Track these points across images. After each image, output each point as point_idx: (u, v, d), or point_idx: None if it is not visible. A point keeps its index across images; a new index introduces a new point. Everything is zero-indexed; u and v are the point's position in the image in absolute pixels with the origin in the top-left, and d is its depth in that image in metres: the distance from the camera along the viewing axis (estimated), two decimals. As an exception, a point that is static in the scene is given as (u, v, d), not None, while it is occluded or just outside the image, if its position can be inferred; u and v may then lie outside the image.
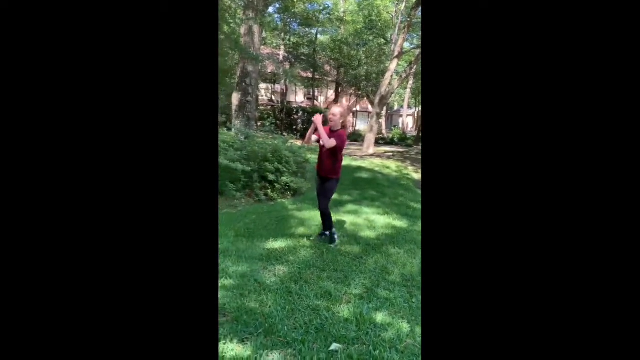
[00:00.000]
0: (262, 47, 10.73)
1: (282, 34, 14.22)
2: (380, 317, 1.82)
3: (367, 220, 3.84)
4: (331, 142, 2.61)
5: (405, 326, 1.75)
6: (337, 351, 1.51)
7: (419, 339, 1.65)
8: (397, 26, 11.41)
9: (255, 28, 6.38)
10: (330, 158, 2.74)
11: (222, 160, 4.10)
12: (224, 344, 1.49)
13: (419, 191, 6.53)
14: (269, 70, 13.28)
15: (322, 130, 2.66)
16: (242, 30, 6.45)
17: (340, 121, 2.73)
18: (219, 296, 1.89)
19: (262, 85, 16.06)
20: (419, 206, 4.97)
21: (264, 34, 12.41)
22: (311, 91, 18.64)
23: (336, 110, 2.73)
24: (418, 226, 3.78)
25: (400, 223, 3.84)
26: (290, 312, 1.80)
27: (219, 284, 2.04)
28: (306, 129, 15.39)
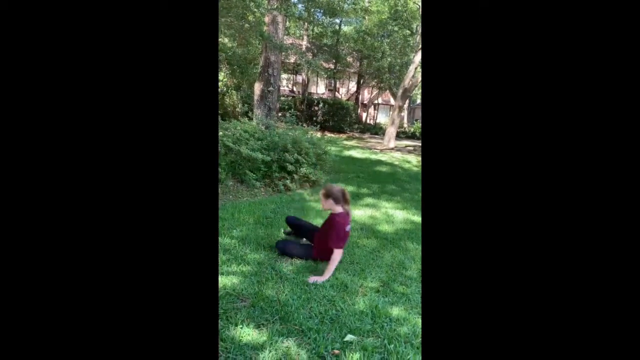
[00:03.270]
0: (286, 37, 10.70)
1: (306, 24, 14.11)
2: (396, 311, 1.82)
3: (385, 214, 3.80)
4: (336, 257, 2.13)
5: (420, 322, 1.74)
6: (351, 342, 1.52)
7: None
8: (423, 17, 11.07)
9: (279, 17, 6.35)
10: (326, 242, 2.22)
11: (243, 150, 4.15)
12: (241, 328, 1.53)
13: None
14: (292, 61, 13.25)
15: (329, 270, 2.12)
16: (267, 19, 6.44)
17: (329, 200, 2.25)
18: (237, 282, 1.94)
19: (284, 76, 16.07)
20: (439, 202, 4.88)
21: (287, 24, 12.36)
22: (333, 82, 18.49)
23: (320, 193, 2.33)
24: (437, 222, 3.72)
25: (419, 218, 3.78)
26: (306, 301, 1.82)
27: (238, 270, 2.08)
28: (326, 121, 15.09)
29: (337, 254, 2.14)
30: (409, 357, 1.46)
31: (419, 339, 1.59)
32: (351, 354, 1.44)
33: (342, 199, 2.26)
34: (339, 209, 2.27)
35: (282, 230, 2.85)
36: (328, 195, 2.25)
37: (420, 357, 1.46)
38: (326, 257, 2.20)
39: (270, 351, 1.40)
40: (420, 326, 1.70)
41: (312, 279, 2.05)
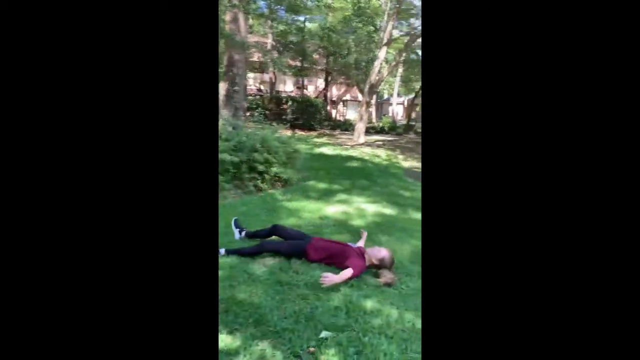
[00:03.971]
0: (249, 35, 10.50)
1: (269, 22, 13.93)
2: (369, 304, 1.85)
3: (357, 209, 3.86)
4: (353, 273, 2.06)
5: (394, 312, 1.78)
6: (326, 338, 1.53)
7: (408, 325, 1.68)
8: (385, 13, 11.27)
9: (241, 15, 6.22)
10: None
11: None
12: (214, 335, 1.49)
13: (409, 179, 6.58)
14: (257, 59, 13.04)
15: (340, 277, 2.01)
16: (227, 17, 6.28)
17: (375, 262, 2.26)
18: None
19: (250, 75, 15.78)
20: (408, 194, 5.02)
21: (250, 22, 12.13)
22: (300, 80, 18.42)
23: (386, 256, 2.27)
24: (407, 214, 3.82)
25: (390, 211, 3.87)
26: (280, 301, 1.80)
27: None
28: (296, 119, 14.99)
29: (352, 274, 2.05)
30: (383, 347, 1.49)
31: (392, 329, 1.63)
32: (327, 350, 1.44)
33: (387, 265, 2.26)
34: (371, 261, 2.26)
35: (237, 232, 2.67)
36: (382, 267, 2.23)
37: (394, 347, 1.50)
38: (317, 260, 2.26)
39: (244, 356, 1.38)
40: (393, 316, 1.74)
41: (327, 279, 1.91)
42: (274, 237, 2.56)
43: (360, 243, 2.65)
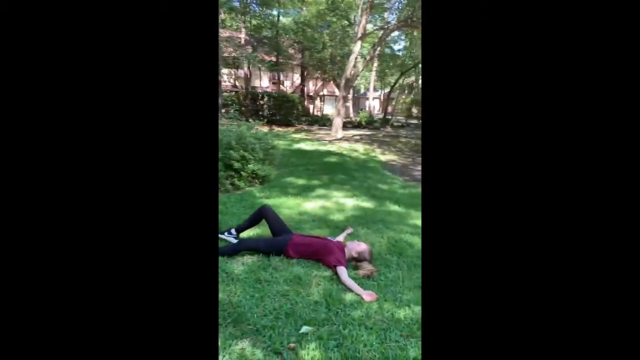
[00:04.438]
0: (221, 30, 10.24)
1: (242, 16, 13.63)
2: (349, 297, 1.86)
3: (336, 203, 3.87)
4: (346, 278, 2.04)
5: (373, 304, 1.81)
6: (307, 333, 1.53)
7: (387, 314, 1.71)
8: (359, 7, 11.31)
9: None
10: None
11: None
12: (191, 337, 1.46)
13: (387, 173, 6.68)
14: (229, 55, 12.75)
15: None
16: (198, 11, 6.09)
17: (353, 255, 2.30)
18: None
19: (224, 71, 15.42)
20: (385, 187, 5.09)
21: (222, 16, 11.83)
22: (276, 75, 18.20)
23: (365, 251, 2.30)
24: (385, 206, 3.88)
25: (368, 204, 3.91)
26: (260, 299, 1.79)
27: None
28: (273, 115, 14.80)
29: (346, 279, 2.04)
30: (363, 338, 1.51)
31: (372, 320, 1.66)
32: (307, 345, 1.45)
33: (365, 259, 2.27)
34: (351, 254, 2.28)
35: (226, 232, 2.56)
36: (361, 260, 2.24)
37: (374, 338, 1.52)
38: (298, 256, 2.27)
39: (224, 356, 1.36)
40: (373, 308, 1.77)
41: (368, 297, 1.86)
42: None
43: (340, 237, 2.66)
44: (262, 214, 2.56)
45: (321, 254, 2.22)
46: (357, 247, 2.29)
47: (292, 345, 1.45)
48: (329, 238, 2.40)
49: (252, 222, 2.59)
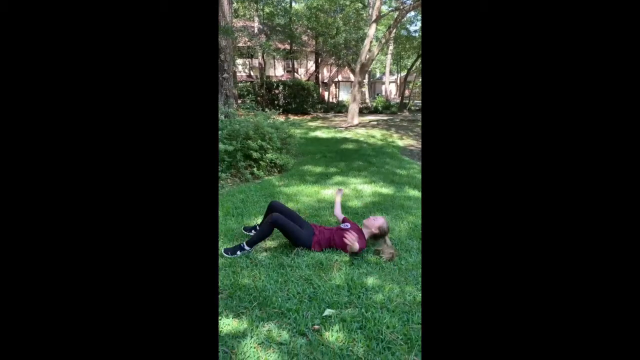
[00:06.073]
0: (235, 19, 10.21)
1: (254, 4, 13.52)
2: (370, 281, 1.89)
3: (354, 190, 3.88)
4: (359, 246, 2.11)
5: (395, 287, 1.83)
6: (330, 316, 1.57)
7: (409, 298, 1.73)
8: (373, -12, 11.00)
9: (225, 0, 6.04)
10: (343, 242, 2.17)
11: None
12: (220, 319, 1.53)
13: (405, 158, 6.59)
14: (244, 44, 12.73)
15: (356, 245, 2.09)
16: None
17: (370, 233, 2.31)
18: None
19: (239, 61, 15.45)
20: (404, 172, 5.04)
21: (235, 5, 11.77)
22: (290, 63, 18.09)
23: (383, 225, 2.31)
24: (404, 192, 3.85)
25: (387, 190, 3.89)
26: (283, 283, 1.84)
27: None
28: (288, 104, 14.75)
29: (359, 247, 2.10)
30: (385, 320, 1.54)
31: (394, 303, 1.68)
32: (331, 327, 1.49)
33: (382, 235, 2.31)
34: (366, 234, 2.29)
35: (239, 250, 2.26)
36: (381, 231, 2.28)
37: (396, 320, 1.55)
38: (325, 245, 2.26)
39: (251, 337, 1.42)
40: (395, 291, 1.79)
41: (350, 236, 2.04)
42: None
43: (337, 204, 2.67)
44: (272, 210, 2.43)
45: (343, 244, 2.19)
46: (374, 222, 2.30)
47: (316, 327, 1.49)
48: (342, 227, 2.35)
49: (263, 233, 2.25)
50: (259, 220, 2.69)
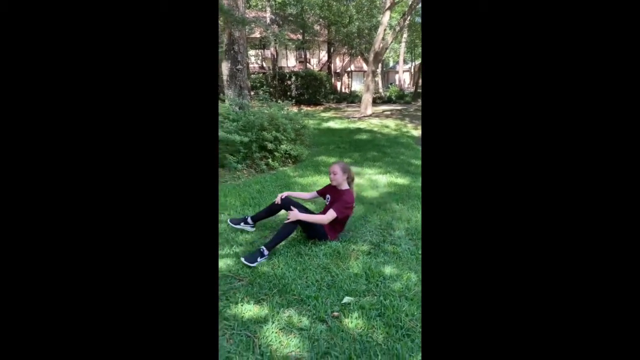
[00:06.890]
0: (247, 10, 10.16)
1: (266, -6, 13.42)
2: (388, 269, 1.90)
3: (369, 180, 3.87)
4: (328, 217, 2.16)
5: (413, 276, 1.83)
6: (349, 303, 1.59)
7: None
8: (387, -26, 10.70)
9: (237, -11, 6.00)
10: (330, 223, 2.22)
11: (220, 133, 4.05)
12: (242, 305, 1.57)
13: (419, 147, 6.50)
14: (257, 35, 12.68)
15: (307, 216, 2.19)
16: (224, -8, 6.08)
17: (345, 177, 2.31)
18: (231, 263, 1.96)
19: (251, 52, 15.43)
20: (419, 162, 4.98)
21: (247, -4, 11.68)
22: (303, 54, 17.94)
23: (336, 167, 2.29)
24: (419, 181, 3.81)
25: (403, 180, 3.86)
26: (302, 271, 1.87)
27: (231, 252, 2.10)
28: (301, 94, 14.67)
29: (326, 218, 2.15)
30: (404, 308, 1.55)
31: (412, 292, 1.69)
32: (350, 314, 1.51)
33: (352, 177, 2.38)
34: (345, 185, 2.34)
35: (242, 222, 2.42)
36: (345, 171, 2.31)
37: (415, 308, 1.55)
38: (323, 236, 2.24)
39: (273, 322, 1.46)
40: (413, 280, 1.79)
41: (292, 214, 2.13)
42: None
43: (296, 195, 2.55)
44: (283, 207, 2.38)
45: (344, 216, 2.27)
46: (337, 176, 2.29)
47: (335, 314, 1.52)
48: (325, 200, 2.43)
49: (269, 211, 2.42)
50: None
